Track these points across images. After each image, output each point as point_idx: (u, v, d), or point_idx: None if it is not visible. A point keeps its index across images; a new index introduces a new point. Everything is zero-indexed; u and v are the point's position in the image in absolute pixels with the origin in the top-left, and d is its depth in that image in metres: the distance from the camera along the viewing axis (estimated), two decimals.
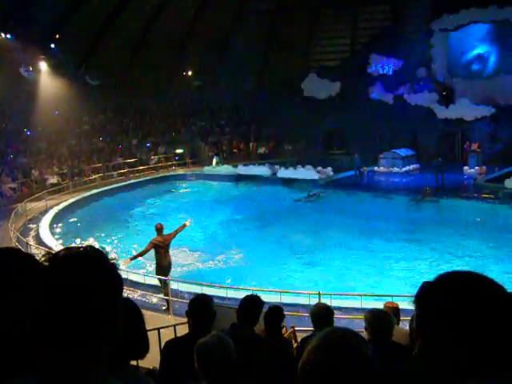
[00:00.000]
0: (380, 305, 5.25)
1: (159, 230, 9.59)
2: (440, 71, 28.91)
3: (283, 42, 32.83)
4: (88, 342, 1.02)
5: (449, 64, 28.91)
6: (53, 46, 25.84)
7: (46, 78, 25.77)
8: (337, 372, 1.09)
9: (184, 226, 9.89)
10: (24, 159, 22.71)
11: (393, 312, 4.37)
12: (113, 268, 1.10)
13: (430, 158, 26.53)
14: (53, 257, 1.09)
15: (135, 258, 9.69)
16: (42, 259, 1.15)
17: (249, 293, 4.97)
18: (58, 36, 25.96)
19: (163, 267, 9.51)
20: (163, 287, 9.40)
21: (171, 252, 10.02)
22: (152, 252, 9.62)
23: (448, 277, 1.13)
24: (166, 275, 9.42)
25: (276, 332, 3.98)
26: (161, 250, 9.45)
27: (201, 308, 3.27)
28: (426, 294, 1.13)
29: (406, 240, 14.23)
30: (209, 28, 30.58)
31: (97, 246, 1.13)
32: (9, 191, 19.48)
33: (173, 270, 10.41)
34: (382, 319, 3.32)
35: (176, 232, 9.78)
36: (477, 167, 24.16)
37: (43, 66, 25.59)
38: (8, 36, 23.02)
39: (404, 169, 25.91)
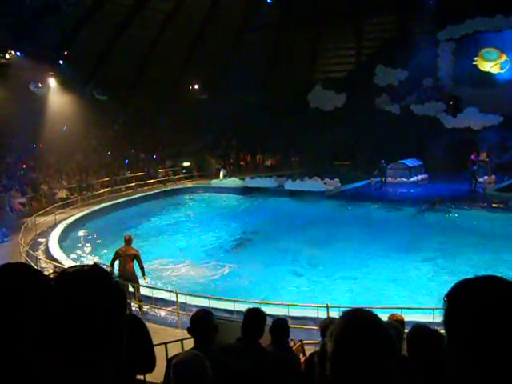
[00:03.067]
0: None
1: (126, 240, 10.08)
2: (447, 81, 28.93)
3: (289, 54, 33.08)
4: (94, 358, 1.04)
5: (456, 73, 28.92)
6: (61, 62, 26.23)
7: (55, 94, 26.14)
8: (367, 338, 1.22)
9: (143, 272, 10.14)
10: (33, 174, 22.93)
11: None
12: (117, 286, 1.12)
13: (437, 167, 26.47)
14: (59, 275, 1.11)
15: (111, 269, 9.83)
16: (51, 276, 1.18)
17: (256, 306, 4.95)
18: (66, 53, 26.37)
19: (122, 275, 9.62)
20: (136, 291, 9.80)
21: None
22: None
23: (487, 279, 1.11)
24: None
25: (283, 345, 3.96)
26: (120, 258, 9.84)
27: (201, 323, 3.28)
28: (461, 293, 1.12)
29: (417, 252, 14.12)
30: (214, 42, 30.90)
31: (102, 263, 1.16)
32: (19, 206, 19.64)
33: (180, 283, 10.39)
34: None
35: (140, 261, 10.05)
36: (486, 177, 24.01)
37: (52, 82, 25.97)
38: (18, 54, 23.41)
39: (412, 179, 25.82)
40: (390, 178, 25.95)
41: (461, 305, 1.09)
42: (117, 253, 9.97)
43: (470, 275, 1.15)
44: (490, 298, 1.05)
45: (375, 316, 1.31)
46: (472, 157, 25.08)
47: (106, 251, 15.30)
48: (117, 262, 9.94)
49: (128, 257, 9.83)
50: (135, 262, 9.94)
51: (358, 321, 1.28)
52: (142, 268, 10.06)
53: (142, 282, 10.08)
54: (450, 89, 28.75)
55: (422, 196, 21.88)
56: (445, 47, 28.70)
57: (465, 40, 28.17)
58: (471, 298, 1.07)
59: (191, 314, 9.13)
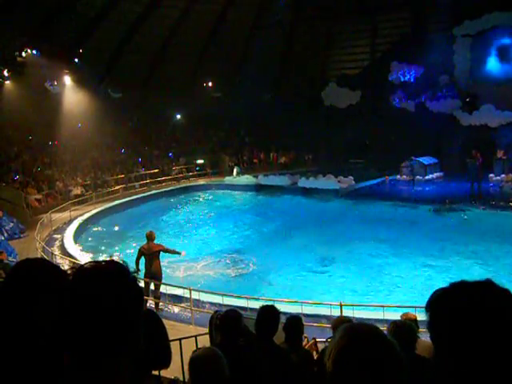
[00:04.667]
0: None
1: (147, 237, 9.96)
2: (463, 78, 28.55)
3: (302, 51, 32.96)
4: (110, 354, 1.05)
5: (472, 70, 28.53)
6: (76, 60, 26.49)
7: (70, 92, 26.42)
8: (368, 352, 1.12)
9: (178, 253, 10.31)
10: (49, 171, 23.21)
11: None
12: (133, 281, 1.13)
13: (453, 165, 26.11)
14: (77, 270, 1.12)
15: (137, 267, 9.85)
16: (68, 272, 1.19)
17: (270, 303, 4.95)
18: (81, 51, 26.61)
19: (148, 273, 9.74)
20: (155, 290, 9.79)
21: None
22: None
23: (459, 286, 1.13)
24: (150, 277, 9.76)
25: (296, 343, 3.96)
26: (145, 256, 9.79)
27: (233, 325, 3.32)
28: (436, 302, 1.13)
29: (430, 251, 13.99)
30: (228, 39, 30.91)
31: (118, 259, 1.16)
32: (35, 202, 19.90)
33: (194, 279, 10.41)
34: (404, 331, 3.27)
35: (168, 250, 10.11)
36: (503, 175, 23.66)
37: (67, 80, 26.25)
38: (34, 52, 23.69)
39: (427, 177, 25.54)
40: (404, 176, 25.71)
41: (440, 313, 1.11)
42: (140, 251, 9.86)
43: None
44: (466, 301, 1.07)
45: (377, 331, 1.19)
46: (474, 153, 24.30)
47: (119, 247, 15.45)
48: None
49: (153, 254, 9.80)
50: (161, 258, 9.98)
51: (359, 339, 1.15)
52: (173, 251, 10.23)
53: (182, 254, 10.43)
54: (466, 86, 28.35)
55: (438, 194, 21.62)
56: (461, 43, 28.29)
57: (482, 35, 27.73)
58: (448, 305, 1.10)
59: (204, 310, 9.15)
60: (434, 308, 1.13)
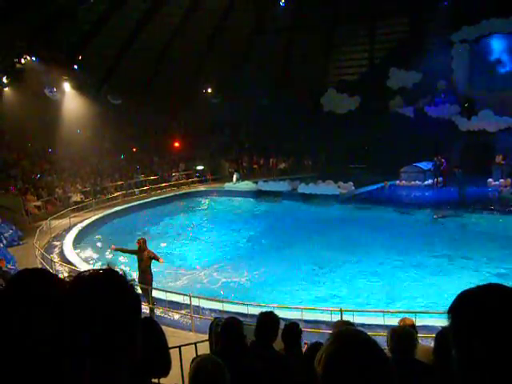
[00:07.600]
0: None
1: (144, 243, 10.29)
2: (461, 83, 28.64)
3: (301, 57, 33.06)
4: (108, 361, 1.05)
5: (470, 75, 28.62)
6: (76, 67, 26.53)
7: (70, 98, 26.44)
8: (355, 357, 1.11)
9: (158, 259, 10.20)
10: (48, 178, 23.19)
11: None
12: (131, 289, 1.12)
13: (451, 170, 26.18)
14: (74, 278, 1.12)
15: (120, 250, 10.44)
16: (66, 280, 1.18)
17: (270, 309, 4.94)
18: (80, 57, 26.65)
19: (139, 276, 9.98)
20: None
21: None
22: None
23: (485, 290, 1.09)
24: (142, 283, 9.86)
25: (294, 349, 3.94)
26: (144, 262, 10.03)
27: (233, 332, 3.32)
28: (461, 307, 1.10)
29: (429, 256, 13.98)
30: (227, 45, 31.01)
31: (116, 267, 1.16)
32: (34, 209, 19.87)
33: (193, 286, 10.36)
34: (403, 337, 3.26)
35: (154, 256, 10.20)
36: (501, 180, 23.69)
37: (67, 86, 26.27)
38: (33, 58, 23.73)
39: (426, 182, 25.58)
40: (403, 181, 25.74)
41: (463, 318, 1.07)
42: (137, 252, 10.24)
43: (482, 281, 1.12)
44: (489, 307, 1.04)
45: (365, 337, 1.19)
46: (441, 163, 24.60)
47: (119, 254, 15.39)
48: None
49: (142, 260, 10.01)
50: (161, 264, 10.25)
51: (347, 345, 1.15)
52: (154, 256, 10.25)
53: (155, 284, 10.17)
54: (465, 91, 28.45)
55: (437, 200, 21.65)
56: (459, 49, 28.42)
57: (480, 41, 27.87)
58: (472, 311, 1.06)
59: (205, 317, 9.11)
60: (459, 310, 1.09)
